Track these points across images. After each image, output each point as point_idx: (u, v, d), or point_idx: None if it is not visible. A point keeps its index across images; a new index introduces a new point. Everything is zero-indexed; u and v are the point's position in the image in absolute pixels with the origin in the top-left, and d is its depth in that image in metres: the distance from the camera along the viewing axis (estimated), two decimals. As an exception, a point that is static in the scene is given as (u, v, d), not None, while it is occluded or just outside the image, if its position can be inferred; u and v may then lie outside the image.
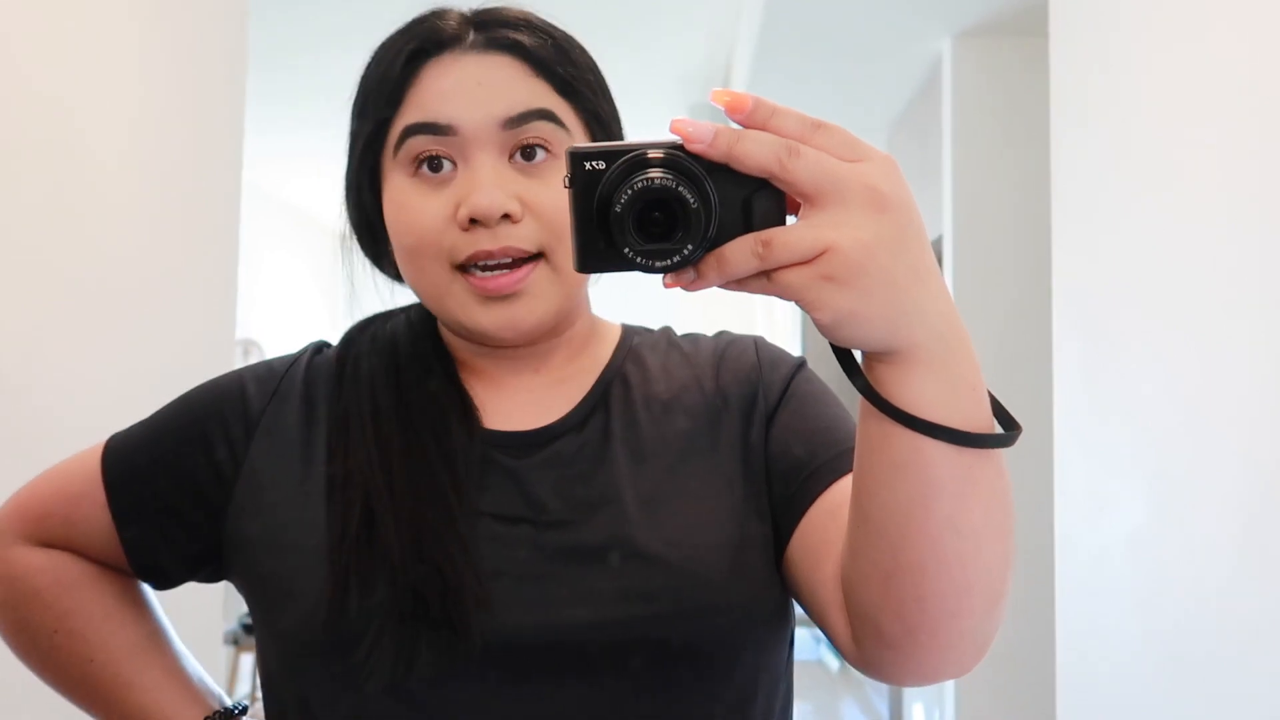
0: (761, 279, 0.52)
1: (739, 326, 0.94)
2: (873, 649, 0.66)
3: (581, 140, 0.80)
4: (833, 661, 5.92)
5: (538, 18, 0.82)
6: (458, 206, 0.76)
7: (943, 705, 3.58)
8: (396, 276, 0.86)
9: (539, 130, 0.77)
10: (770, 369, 0.84)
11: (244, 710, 0.90)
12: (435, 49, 0.79)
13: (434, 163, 0.77)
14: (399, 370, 0.83)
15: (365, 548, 0.74)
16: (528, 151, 0.78)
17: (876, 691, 5.12)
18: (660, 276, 0.53)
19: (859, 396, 0.57)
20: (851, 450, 0.62)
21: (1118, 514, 1.96)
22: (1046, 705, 2.34)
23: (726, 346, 0.87)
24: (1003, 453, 0.58)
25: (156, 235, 2.08)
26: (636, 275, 0.54)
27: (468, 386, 0.83)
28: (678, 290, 0.54)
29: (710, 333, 0.91)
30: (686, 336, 0.90)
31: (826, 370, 0.74)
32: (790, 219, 0.52)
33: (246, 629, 4.71)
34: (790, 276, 0.51)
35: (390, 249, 0.82)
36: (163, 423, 0.87)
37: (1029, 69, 3.14)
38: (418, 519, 0.75)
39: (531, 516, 0.77)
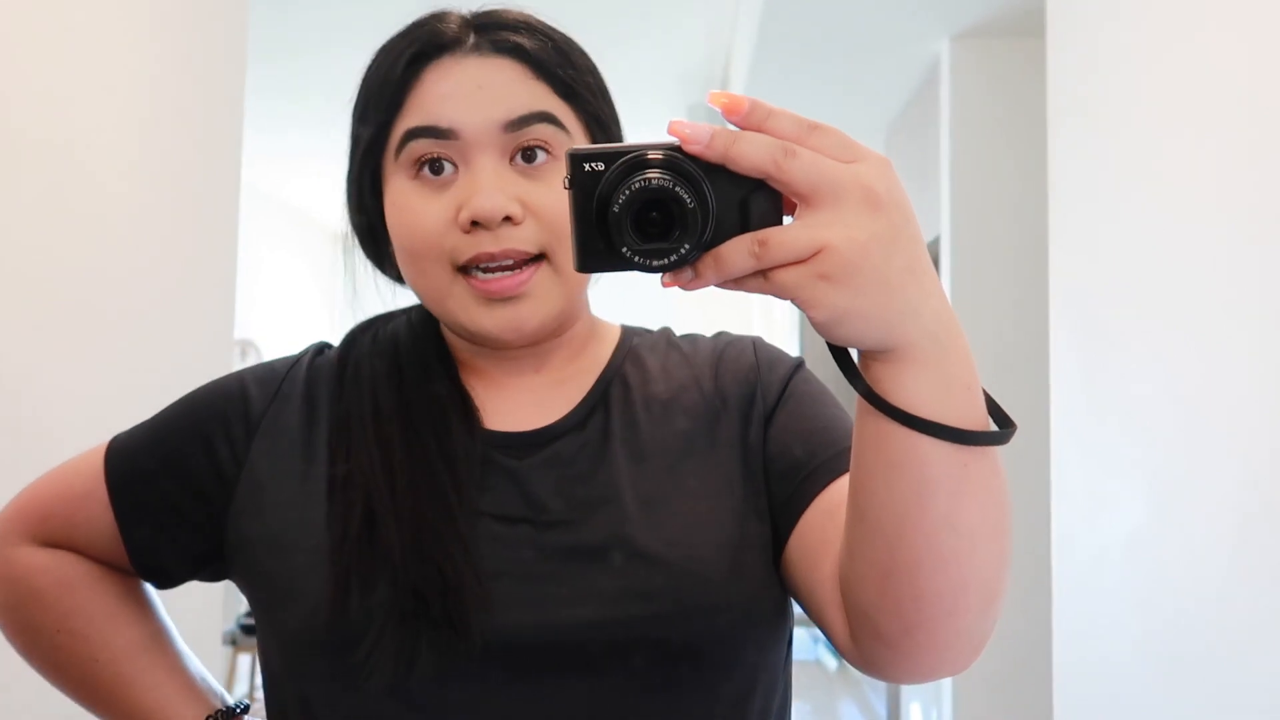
0: (758, 278, 0.52)
1: (737, 326, 0.94)
2: (870, 647, 0.66)
3: (582, 142, 0.81)
4: (831, 661, 5.92)
5: (537, 20, 0.82)
6: (459, 209, 0.76)
7: (940, 704, 3.58)
8: (398, 278, 0.86)
9: (540, 133, 0.78)
10: (768, 369, 0.84)
11: (245, 709, 0.90)
12: (435, 52, 0.79)
13: (435, 165, 0.78)
14: (400, 371, 0.84)
15: (366, 548, 0.75)
16: (528, 154, 0.78)
17: (874, 691, 5.13)
18: (658, 276, 0.53)
19: (857, 395, 0.58)
20: (849, 450, 0.62)
21: (1115, 514, 1.96)
22: (1044, 704, 2.34)
23: (725, 347, 0.87)
24: (999, 451, 0.58)
25: (155, 235, 2.08)
26: (635, 275, 0.55)
27: (468, 387, 0.83)
28: (676, 290, 0.55)
29: (709, 333, 0.91)
30: (685, 337, 0.90)
31: (824, 370, 0.75)
32: (787, 219, 0.53)
33: (245, 629, 4.72)
34: (786, 275, 0.51)
35: (392, 251, 0.82)
36: (165, 423, 0.87)
37: (1027, 70, 3.14)
38: (418, 519, 0.75)
39: (532, 516, 0.77)
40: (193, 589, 0.93)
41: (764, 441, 0.81)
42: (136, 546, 0.85)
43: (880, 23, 3.43)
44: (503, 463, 0.80)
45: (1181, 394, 1.75)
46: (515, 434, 0.81)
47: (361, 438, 0.80)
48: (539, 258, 0.78)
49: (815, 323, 0.53)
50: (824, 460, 0.77)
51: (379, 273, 0.88)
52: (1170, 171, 1.80)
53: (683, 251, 0.52)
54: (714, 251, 0.52)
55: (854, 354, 0.57)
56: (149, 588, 0.91)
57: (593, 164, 0.52)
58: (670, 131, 0.52)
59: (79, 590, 0.87)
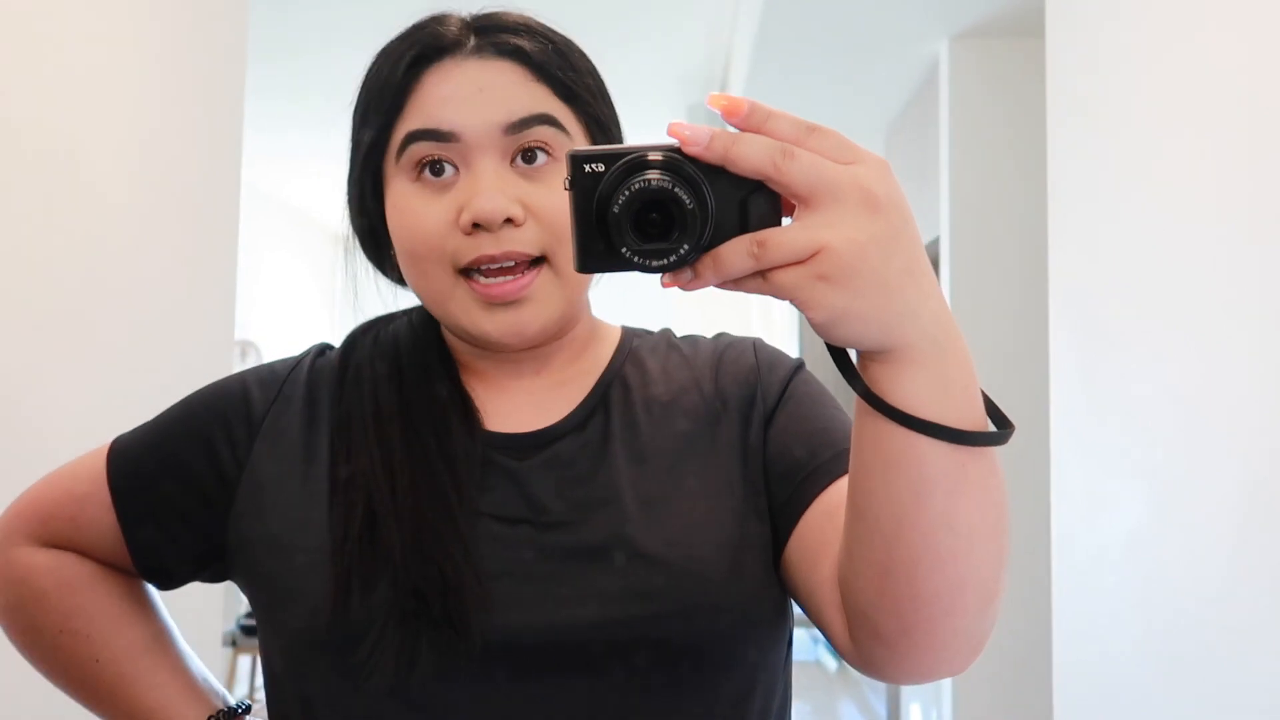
0: (757, 279, 0.52)
1: (736, 326, 0.94)
2: (869, 647, 0.67)
3: (582, 144, 0.81)
4: (830, 662, 5.92)
5: (537, 22, 0.82)
6: (460, 211, 0.76)
7: (940, 705, 3.58)
8: (400, 281, 0.86)
9: (540, 134, 0.78)
10: (769, 371, 0.85)
11: (247, 709, 0.90)
12: (436, 55, 0.79)
13: (436, 167, 0.78)
14: (401, 372, 0.84)
15: (367, 548, 0.75)
16: (529, 155, 0.78)
17: (874, 692, 5.13)
18: (658, 276, 0.53)
19: (856, 396, 0.58)
20: (849, 451, 0.62)
21: (1115, 514, 1.96)
22: (1044, 705, 2.35)
23: (725, 349, 0.87)
24: (997, 452, 0.59)
25: (155, 236, 2.08)
26: (636, 277, 0.55)
27: (469, 388, 0.84)
28: (676, 290, 0.55)
29: (708, 334, 0.92)
30: (686, 339, 0.90)
31: (824, 372, 0.75)
32: (786, 221, 0.53)
33: (244, 630, 4.72)
34: (785, 276, 0.52)
35: (393, 254, 0.82)
36: (167, 425, 0.87)
37: (1026, 70, 3.15)
38: (419, 519, 0.76)
39: (532, 517, 0.77)
40: (192, 590, 0.93)
41: (764, 443, 0.81)
42: (138, 547, 0.85)
43: (880, 23, 3.44)
44: (503, 464, 0.80)
45: (1181, 394, 1.75)
46: (516, 435, 0.81)
47: (362, 439, 0.80)
48: (540, 260, 0.78)
49: (814, 323, 0.53)
50: (824, 461, 0.77)
51: (380, 274, 0.89)
52: (1170, 171, 1.81)
53: (682, 252, 0.52)
54: (713, 252, 0.52)
55: (853, 355, 0.57)
56: (150, 588, 0.91)
57: (593, 165, 0.53)
58: (670, 133, 0.52)
59: (81, 591, 0.87)
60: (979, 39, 3.48)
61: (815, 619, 0.74)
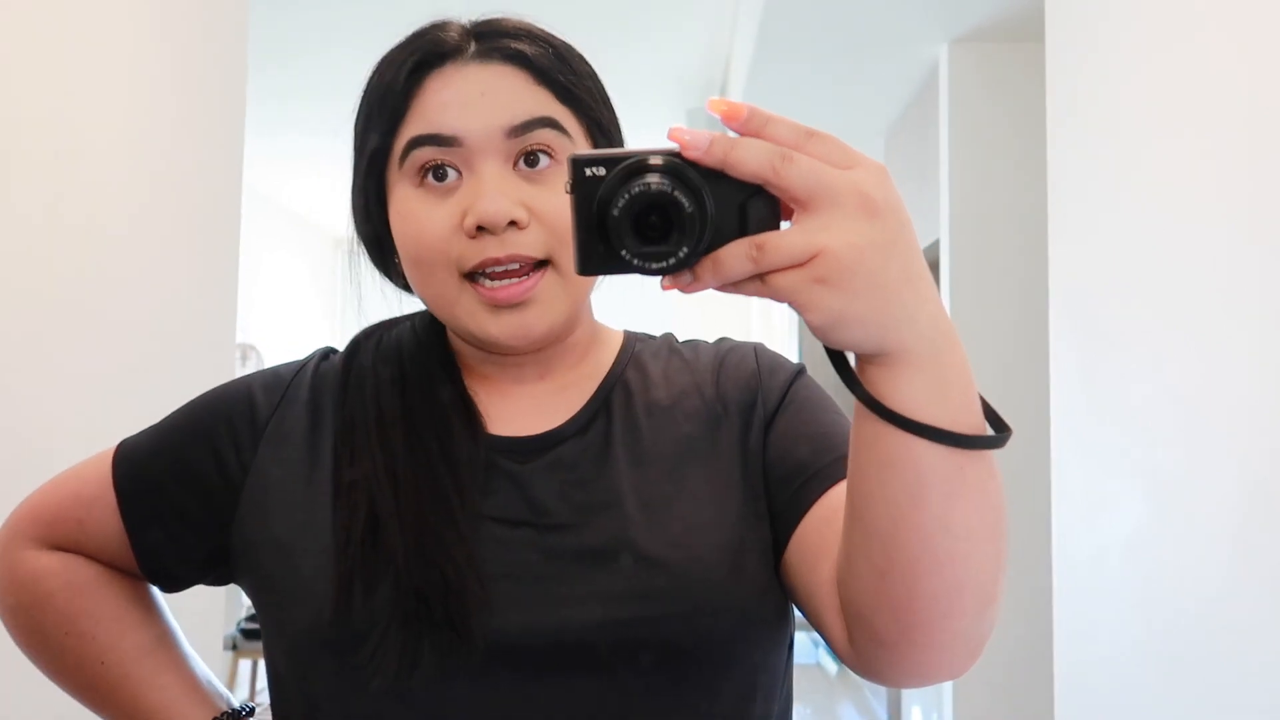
0: (756, 281, 0.53)
1: (736, 329, 0.95)
2: (868, 650, 0.67)
3: (584, 147, 0.81)
4: (831, 665, 5.92)
5: (537, 28, 0.83)
6: (464, 215, 0.77)
7: (941, 707, 3.58)
8: (405, 286, 0.87)
9: (543, 137, 0.78)
10: (770, 375, 0.85)
11: (251, 712, 0.91)
12: (437, 60, 0.80)
13: (439, 172, 0.78)
14: (404, 377, 0.84)
15: (370, 551, 0.75)
16: (531, 158, 0.78)
17: (875, 695, 5.13)
18: (658, 279, 0.54)
19: (855, 399, 0.58)
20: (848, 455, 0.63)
21: (1115, 515, 1.97)
22: (1045, 707, 2.35)
23: (727, 353, 0.88)
24: (996, 454, 0.59)
25: (157, 239, 2.09)
26: (637, 280, 0.55)
27: (472, 392, 0.84)
28: (676, 294, 0.55)
29: (709, 336, 0.92)
30: (687, 343, 0.91)
31: (824, 376, 0.75)
32: (785, 224, 0.54)
33: (245, 634, 4.72)
34: (783, 279, 0.52)
35: (398, 260, 0.83)
36: (172, 428, 0.88)
37: (1026, 73, 3.15)
38: (421, 523, 0.76)
39: (534, 520, 0.78)
40: (193, 594, 0.94)
41: (764, 446, 0.81)
42: (144, 550, 0.86)
43: (879, 26, 3.44)
44: (505, 467, 0.80)
45: (1181, 395, 1.75)
46: (518, 439, 0.82)
47: (365, 442, 0.80)
48: (544, 263, 0.78)
49: (812, 326, 0.53)
50: (823, 465, 0.78)
51: (383, 279, 0.89)
52: (1170, 173, 1.81)
53: (681, 255, 0.52)
54: (712, 255, 0.53)
55: (851, 358, 0.57)
56: (155, 591, 0.92)
57: (593, 168, 0.53)
58: (670, 137, 0.53)
59: (87, 593, 0.87)
60: (979, 42, 3.49)
61: (814, 622, 0.74)
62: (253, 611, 4.94)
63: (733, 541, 0.77)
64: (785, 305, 0.53)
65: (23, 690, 1.37)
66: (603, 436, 0.82)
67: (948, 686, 3.44)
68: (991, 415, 0.59)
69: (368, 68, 0.84)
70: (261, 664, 5.00)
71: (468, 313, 0.79)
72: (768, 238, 0.52)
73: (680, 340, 0.92)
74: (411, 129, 0.79)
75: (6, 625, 0.90)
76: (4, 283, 1.61)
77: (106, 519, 0.86)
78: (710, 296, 0.56)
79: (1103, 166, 2.05)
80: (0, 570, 0.89)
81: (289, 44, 4.42)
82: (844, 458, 0.74)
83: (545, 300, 0.78)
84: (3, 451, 1.59)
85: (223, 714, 0.89)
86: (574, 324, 0.84)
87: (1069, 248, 2.19)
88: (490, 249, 0.76)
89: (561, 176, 0.77)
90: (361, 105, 0.83)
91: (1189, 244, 1.74)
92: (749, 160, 0.51)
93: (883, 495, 0.59)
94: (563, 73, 0.81)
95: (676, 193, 0.52)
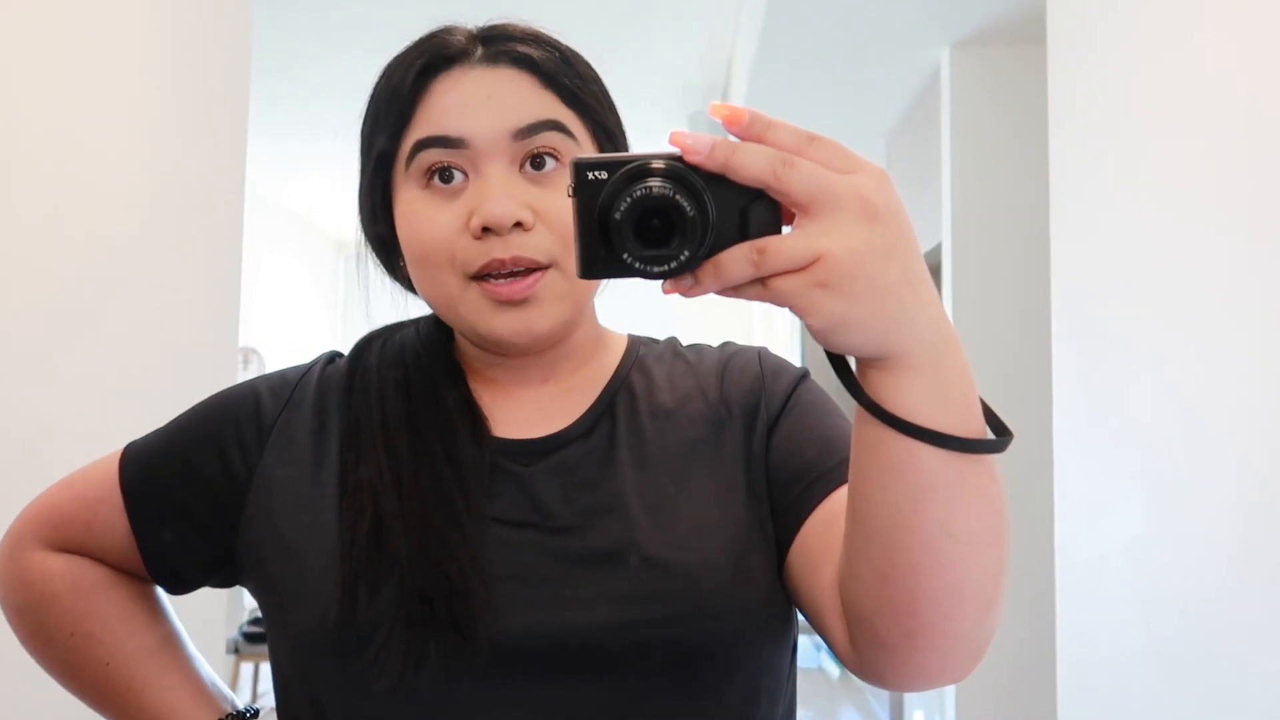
0: (757, 285, 0.53)
1: (738, 333, 0.95)
2: (870, 654, 0.67)
3: (589, 151, 0.82)
4: (833, 669, 5.92)
5: (544, 33, 0.83)
6: (470, 216, 0.77)
7: (943, 711, 3.58)
8: (411, 288, 0.87)
9: (549, 140, 0.79)
10: (773, 379, 0.85)
11: (255, 714, 0.91)
12: (444, 64, 0.80)
13: (445, 174, 0.79)
14: (409, 380, 0.85)
15: (375, 553, 0.76)
16: (537, 161, 0.79)
17: (877, 699, 5.12)
18: (660, 283, 0.54)
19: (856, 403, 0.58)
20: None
21: (1117, 518, 1.97)
22: (1047, 709, 2.35)
23: (730, 357, 0.88)
24: (997, 458, 0.59)
25: (159, 243, 2.09)
26: (640, 285, 0.55)
27: (476, 395, 0.84)
28: (678, 298, 0.55)
29: (712, 341, 0.92)
30: (691, 347, 0.91)
31: (826, 380, 0.76)
32: (786, 229, 0.54)
33: (247, 638, 4.73)
34: (784, 283, 0.52)
35: (403, 263, 0.83)
36: (178, 430, 0.88)
37: (1027, 76, 3.16)
38: (425, 525, 0.76)
39: (538, 522, 0.78)
40: (196, 597, 0.94)
41: (767, 450, 0.82)
42: (150, 552, 0.86)
43: (881, 30, 3.45)
44: (510, 469, 0.81)
45: (1182, 398, 1.75)
46: (522, 441, 0.82)
47: (370, 445, 0.81)
48: (548, 267, 0.78)
49: (813, 330, 0.54)
50: (826, 469, 0.78)
51: (391, 283, 0.90)
52: (1171, 176, 1.81)
53: (683, 258, 0.52)
54: (714, 259, 0.53)
55: (852, 362, 0.57)
56: (161, 592, 0.92)
57: (596, 172, 0.53)
58: (671, 141, 0.53)
59: (93, 594, 0.88)
60: (980, 46, 3.49)
61: (817, 625, 0.74)
62: (255, 615, 4.97)
63: (737, 544, 0.77)
64: (787, 309, 0.53)
65: (21, 690, 1.37)
66: (607, 439, 0.82)
67: (950, 690, 3.43)
68: (992, 419, 0.59)
69: (367, 71, 0.85)
70: (263, 667, 5.02)
71: (473, 310, 0.79)
72: (769, 242, 0.52)
73: (684, 344, 0.92)
74: (418, 131, 0.79)
75: (13, 626, 0.91)
76: (6, 286, 1.61)
77: (113, 521, 0.86)
78: (712, 301, 0.57)
79: (1104, 169, 2.05)
80: (7, 571, 0.89)
81: (288, 47, 4.43)
82: (846, 461, 0.74)
83: (548, 299, 0.79)
84: (6, 455, 1.59)
85: (227, 716, 0.89)
86: (577, 325, 0.85)
87: (1071, 251, 2.19)
88: (495, 250, 0.77)
89: (567, 179, 0.77)
90: (369, 108, 0.83)
91: (1191, 247, 1.74)
92: (750, 165, 0.52)
93: (884, 499, 0.59)
94: (569, 77, 0.81)
95: (678, 197, 0.52)
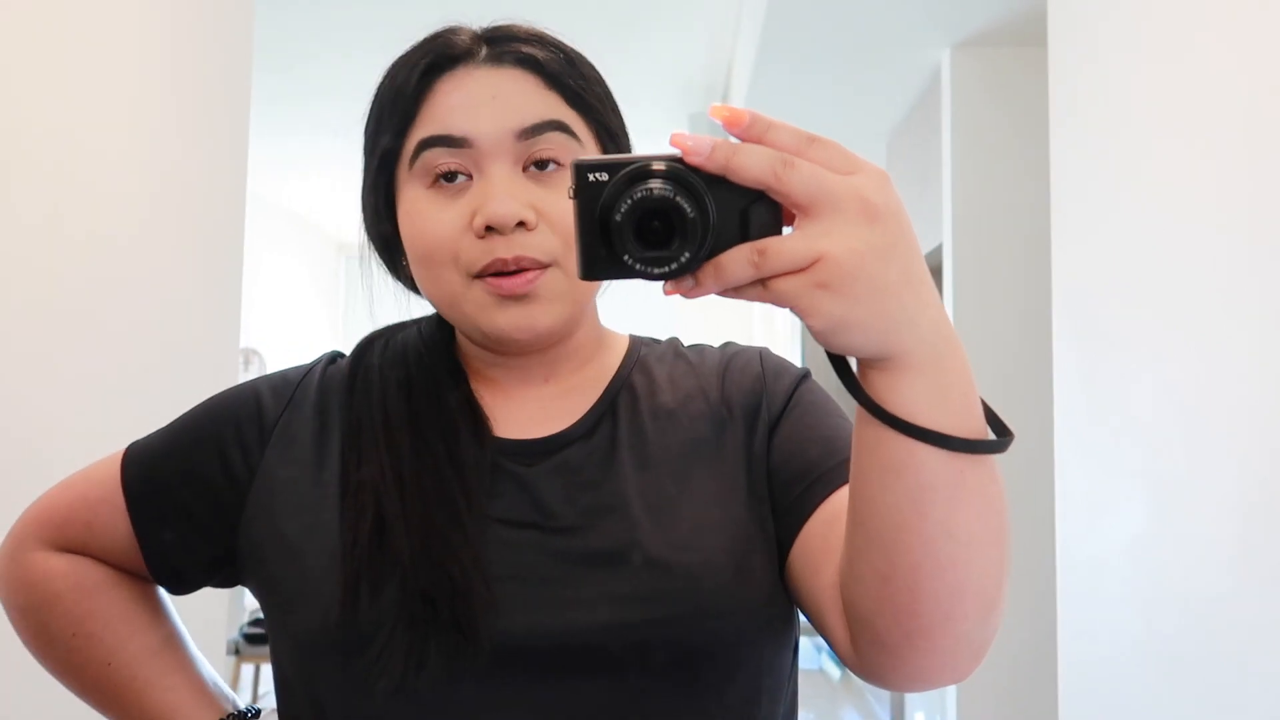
0: (758, 286, 0.53)
1: (739, 334, 0.95)
2: (871, 654, 0.67)
3: (593, 151, 0.82)
4: (834, 670, 5.92)
5: (547, 34, 0.84)
6: (473, 215, 0.78)
7: (944, 711, 3.58)
8: (413, 287, 0.87)
9: (553, 141, 0.79)
10: (775, 379, 0.86)
11: (257, 714, 0.91)
12: (449, 63, 0.81)
13: (449, 174, 0.79)
14: (410, 380, 0.85)
15: (377, 553, 0.76)
16: (541, 162, 0.79)
17: (878, 700, 5.12)
18: (661, 284, 0.54)
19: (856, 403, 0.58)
20: None
21: (1118, 517, 1.97)
22: (1049, 709, 2.35)
23: (732, 357, 0.88)
24: (997, 459, 0.59)
25: (160, 244, 2.09)
26: (641, 286, 0.55)
27: (478, 396, 0.85)
28: (679, 299, 0.55)
29: (711, 341, 0.92)
30: (693, 348, 0.92)
31: (827, 381, 0.76)
32: (786, 230, 0.54)
33: (248, 639, 4.73)
34: (785, 284, 0.52)
35: (406, 262, 0.84)
36: (180, 431, 0.89)
37: (1028, 78, 3.16)
38: (427, 525, 0.77)
39: (540, 522, 0.78)
40: (196, 599, 0.94)
41: (768, 450, 0.82)
42: (152, 552, 0.86)
43: (882, 31, 3.45)
44: (512, 469, 0.81)
45: (1183, 398, 1.75)
46: (524, 441, 0.82)
47: (372, 445, 0.81)
48: (549, 267, 0.79)
49: (813, 331, 0.54)
50: (827, 469, 0.78)
51: (395, 283, 0.90)
52: (1172, 176, 1.81)
53: (683, 260, 0.52)
54: (714, 260, 0.53)
55: (853, 362, 0.57)
56: (162, 592, 0.92)
57: (596, 174, 0.53)
58: (672, 143, 0.53)
59: (95, 595, 0.88)
60: (981, 47, 3.49)
61: (818, 625, 0.74)
62: (255, 616, 4.97)
63: (739, 544, 0.78)
64: (787, 310, 0.53)
65: (23, 692, 1.37)
66: (608, 439, 0.83)
67: (951, 690, 3.43)
68: (993, 419, 0.59)
69: (368, 72, 0.85)
70: (263, 669, 5.02)
71: (476, 306, 0.79)
72: (769, 243, 0.52)
73: (686, 345, 0.92)
74: (422, 130, 0.80)
75: (15, 626, 0.91)
76: (6, 286, 1.61)
77: (115, 521, 0.86)
78: (712, 301, 0.57)
79: (1105, 170, 2.05)
80: (9, 571, 0.90)
81: (288, 47, 4.43)
82: (847, 461, 0.74)
83: (550, 296, 0.79)
84: (8, 456, 1.59)
85: (229, 716, 0.90)
86: (578, 325, 0.85)
87: (1072, 251, 2.19)
88: (498, 249, 0.77)
89: (569, 180, 0.78)
90: (373, 107, 0.84)
91: (1192, 247, 1.74)
92: (750, 166, 0.52)
93: (884, 500, 0.59)
94: (573, 78, 0.82)
95: (679, 198, 0.52)
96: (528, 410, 0.84)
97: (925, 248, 3.76)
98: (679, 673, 0.75)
